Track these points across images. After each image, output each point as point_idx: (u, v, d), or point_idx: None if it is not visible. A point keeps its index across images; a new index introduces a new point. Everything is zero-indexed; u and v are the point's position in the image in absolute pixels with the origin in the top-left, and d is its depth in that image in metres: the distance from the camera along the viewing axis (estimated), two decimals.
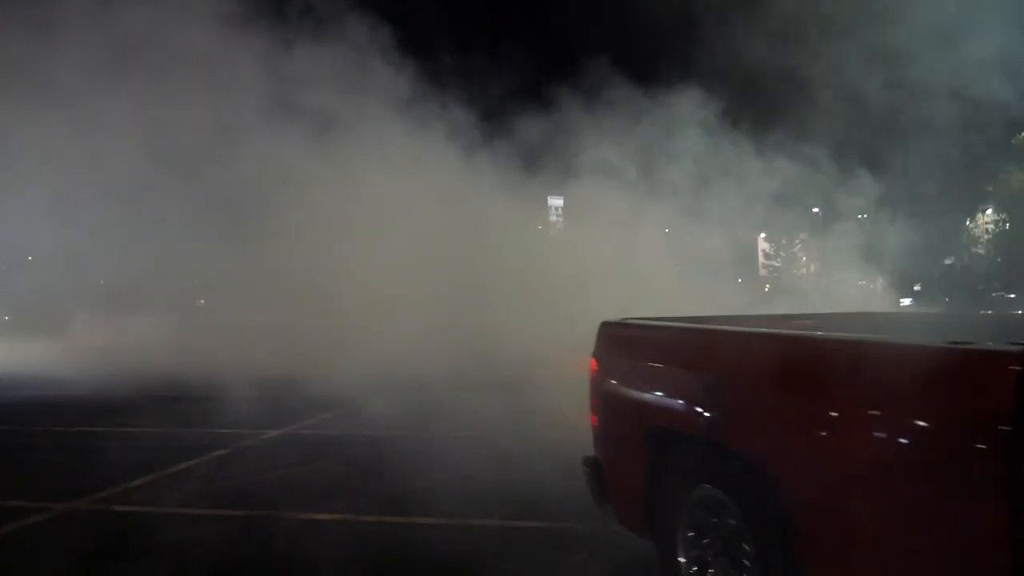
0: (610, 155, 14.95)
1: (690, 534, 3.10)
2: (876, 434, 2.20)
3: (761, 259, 44.30)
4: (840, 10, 13.21)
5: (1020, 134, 29.34)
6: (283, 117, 13.44)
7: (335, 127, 13.70)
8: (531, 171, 15.60)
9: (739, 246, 21.67)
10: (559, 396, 8.65)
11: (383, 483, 6.16)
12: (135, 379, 12.81)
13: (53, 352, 17.17)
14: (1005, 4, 12.82)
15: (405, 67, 14.55)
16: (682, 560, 3.14)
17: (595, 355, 3.87)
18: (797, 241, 41.55)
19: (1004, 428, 1.79)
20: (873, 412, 2.22)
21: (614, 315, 4.06)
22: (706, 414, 2.94)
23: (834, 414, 2.37)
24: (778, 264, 43.54)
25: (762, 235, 41.30)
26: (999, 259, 33.83)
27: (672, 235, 16.02)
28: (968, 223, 35.69)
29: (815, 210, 26.71)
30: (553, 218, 23.22)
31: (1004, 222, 33.01)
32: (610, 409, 3.75)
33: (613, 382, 3.73)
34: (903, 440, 2.13)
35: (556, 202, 22.55)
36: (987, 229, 34.73)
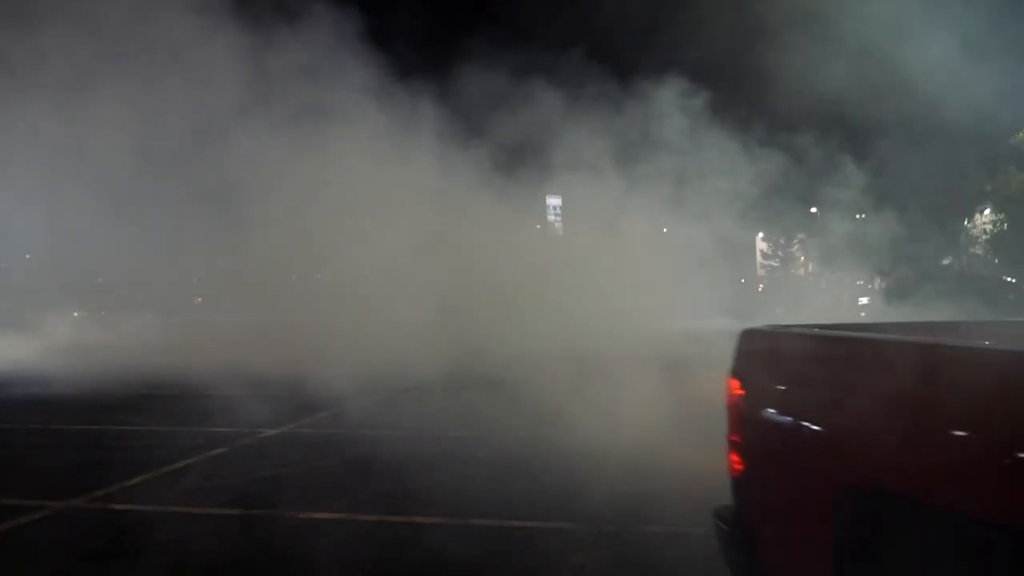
0: (610, 156, 14.95)
1: None
2: None
3: (759, 259, 44.39)
4: (840, 10, 13.21)
5: (1019, 134, 29.33)
6: (282, 117, 13.43)
7: (334, 127, 13.68)
8: (529, 169, 15.59)
9: (737, 245, 21.71)
10: (558, 395, 8.66)
11: (382, 482, 6.14)
12: (132, 377, 12.80)
13: (50, 350, 17.14)
14: (1006, 5, 12.86)
15: (405, 67, 14.56)
16: None
17: (737, 374, 2.93)
18: (795, 241, 41.68)
19: None
20: None
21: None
22: (973, 478, 1.81)
23: None
24: (776, 264, 43.65)
25: (760, 235, 41.38)
26: (996, 260, 33.84)
27: (669, 234, 16.04)
28: (966, 224, 35.72)
29: (813, 210, 26.75)
30: (552, 217, 23.18)
31: (1002, 223, 33.02)
32: (770, 452, 2.74)
33: (775, 414, 2.73)
34: None
35: (554, 201, 22.53)
36: (985, 230, 34.75)
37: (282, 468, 6.69)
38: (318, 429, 8.80)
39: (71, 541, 4.87)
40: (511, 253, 14.25)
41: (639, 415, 7.57)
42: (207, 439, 7.94)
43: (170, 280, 17.97)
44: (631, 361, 9.83)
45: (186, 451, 7.33)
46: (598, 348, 10.97)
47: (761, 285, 37.16)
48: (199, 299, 24.67)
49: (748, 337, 2.97)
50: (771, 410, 2.74)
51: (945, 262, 36.39)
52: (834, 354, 2.63)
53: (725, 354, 3.03)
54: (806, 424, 2.54)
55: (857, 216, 20.75)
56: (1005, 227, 32.80)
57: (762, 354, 2.91)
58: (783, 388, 2.73)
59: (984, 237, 34.96)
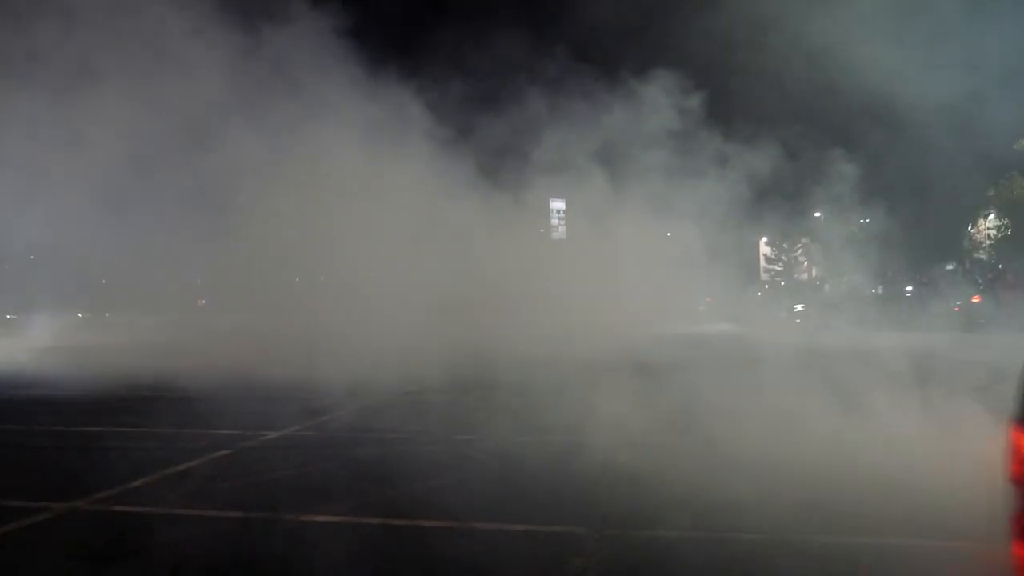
0: (610, 157, 14.95)
1: None
2: None
3: (762, 263, 44.33)
4: (840, 13, 13.21)
5: (1022, 140, 29.32)
6: (289, 120, 13.44)
7: (339, 132, 13.70)
8: (532, 173, 15.58)
9: (741, 249, 21.67)
10: (559, 398, 8.66)
11: (385, 485, 6.14)
12: (135, 379, 12.82)
13: (53, 351, 17.18)
14: (1006, 6, 12.84)
15: (411, 70, 14.57)
16: None
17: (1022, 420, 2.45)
18: (799, 245, 41.58)
19: None
20: None
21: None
22: None
23: None
24: (780, 268, 43.58)
25: (763, 239, 41.32)
26: (1000, 265, 33.84)
27: (670, 237, 16.04)
28: (970, 228, 35.72)
29: (816, 214, 26.72)
30: (555, 221, 23.17)
31: (1006, 228, 33.00)
32: None
33: None
34: None
35: (558, 205, 22.51)
36: (989, 235, 34.74)
37: (284, 471, 6.69)
38: (321, 432, 8.79)
39: (73, 543, 4.86)
40: (514, 256, 14.25)
41: (643, 419, 7.56)
42: (210, 441, 7.94)
43: (173, 282, 18.00)
44: (637, 365, 9.83)
45: (189, 453, 7.33)
46: (602, 351, 10.98)
47: (760, 292, 37.11)
48: (202, 301, 24.70)
49: None
50: None
51: (949, 267, 36.35)
52: None
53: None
54: None
55: (861, 221, 20.70)
56: (1009, 232, 32.78)
57: None
58: None
59: (988, 242, 34.93)
